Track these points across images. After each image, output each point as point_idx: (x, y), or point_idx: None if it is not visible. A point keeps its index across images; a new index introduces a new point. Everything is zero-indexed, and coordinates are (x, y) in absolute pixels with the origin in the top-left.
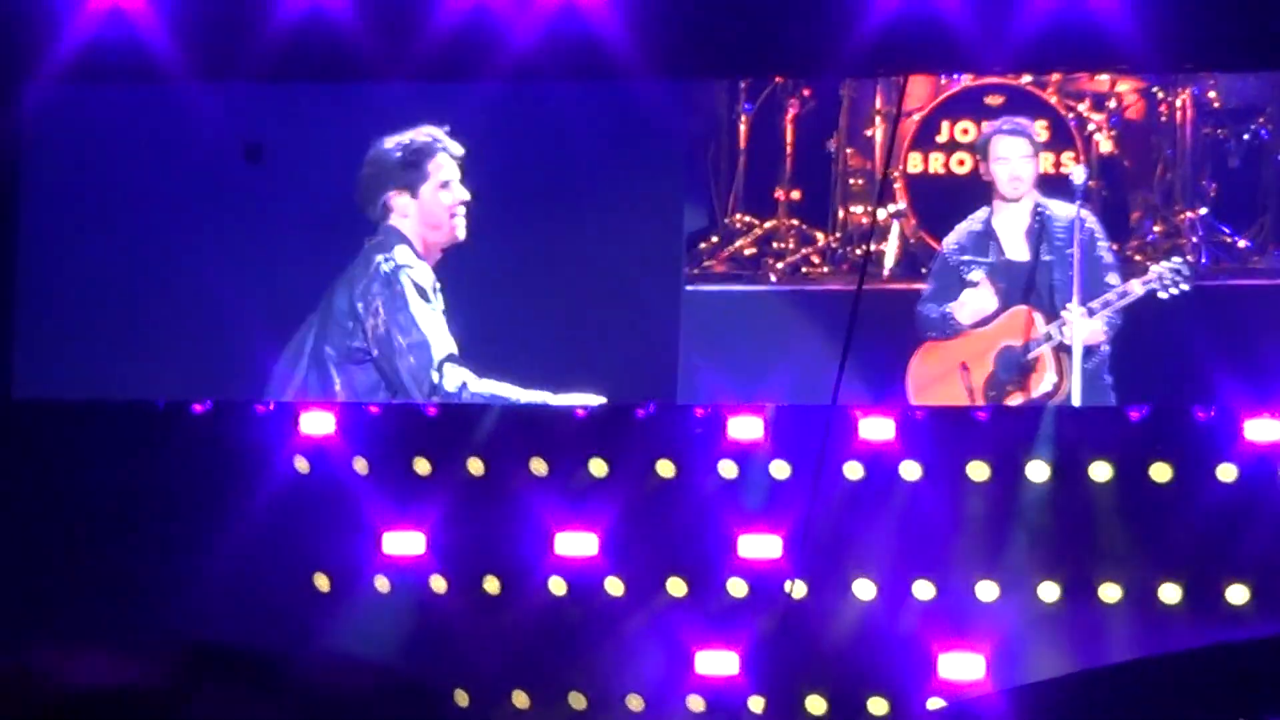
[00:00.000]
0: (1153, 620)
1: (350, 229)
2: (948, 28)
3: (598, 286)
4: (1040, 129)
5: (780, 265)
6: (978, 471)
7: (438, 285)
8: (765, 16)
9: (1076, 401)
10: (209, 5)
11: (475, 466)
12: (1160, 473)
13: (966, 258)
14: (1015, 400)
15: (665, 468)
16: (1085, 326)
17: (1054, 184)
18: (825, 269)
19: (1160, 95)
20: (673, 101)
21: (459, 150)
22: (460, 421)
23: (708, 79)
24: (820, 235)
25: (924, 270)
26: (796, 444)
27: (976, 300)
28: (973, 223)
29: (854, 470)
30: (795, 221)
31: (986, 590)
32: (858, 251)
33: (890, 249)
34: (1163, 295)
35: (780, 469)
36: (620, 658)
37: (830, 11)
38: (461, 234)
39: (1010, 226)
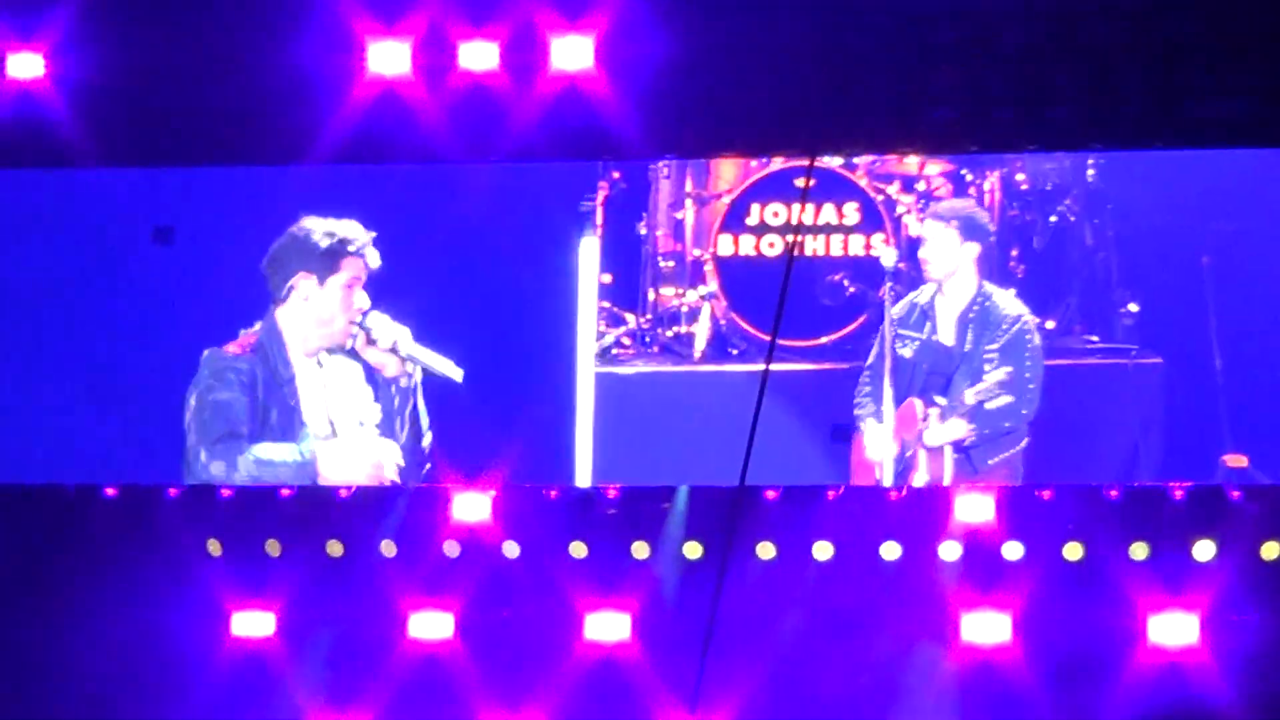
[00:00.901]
0: None
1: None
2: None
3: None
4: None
5: (594, 347)
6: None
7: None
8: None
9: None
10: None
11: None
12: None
13: (902, 331)
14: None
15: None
16: (939, 431)
17: (864, 266)
18: (635, 351)
19: (969, 178)
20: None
21: (376, 261)
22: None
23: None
24: (631, 317)
25: (733, 351)
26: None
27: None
28: (913, 298)
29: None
30: (606, 304)
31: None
32: (668, 333)
33: (701, 331)
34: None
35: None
36: None
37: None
38: (347, 345)
39: (942, 308)
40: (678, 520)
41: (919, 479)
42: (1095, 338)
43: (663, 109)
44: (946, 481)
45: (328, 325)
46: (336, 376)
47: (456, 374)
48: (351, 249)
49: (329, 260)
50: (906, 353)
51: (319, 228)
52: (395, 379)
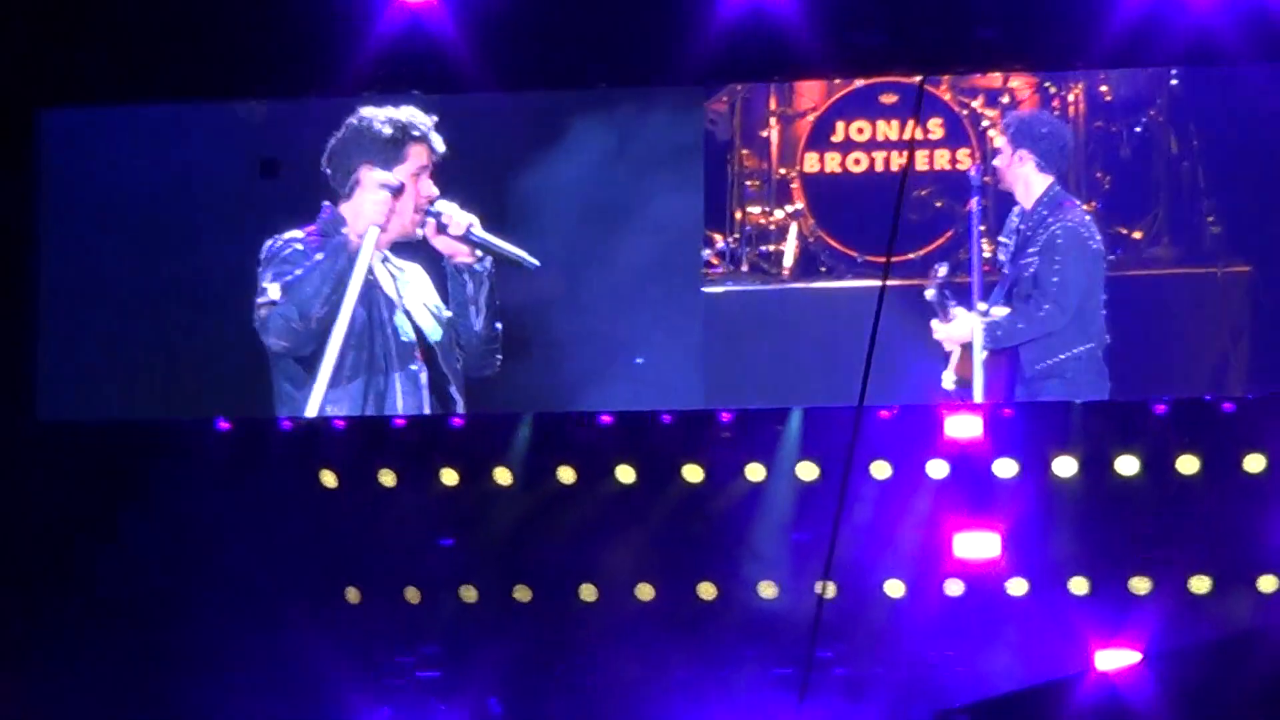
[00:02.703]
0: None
1: None
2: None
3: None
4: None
5: None
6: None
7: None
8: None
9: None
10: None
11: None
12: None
13: (1000, 240)
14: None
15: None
16: (943, 331)
17: (950, 181)
18: (724, 269)
19: (1053, 90)
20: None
21: (441, 147)
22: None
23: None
24: (718, 237)
25: (821, 269)
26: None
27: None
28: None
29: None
30: None
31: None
32: (755, 252)
33: (789, 249)
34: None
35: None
36: None
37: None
38: (419, 233)
39: (1015, 214)
40: (792, 442)
41: (952, 372)
42: (1182, 247)
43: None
44: (976, 384)
45: (398, 216)
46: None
47: (530, 261)
48: (416, 134)
49: (393, 149)
50: (1002, 256)
51: (379, 115)
52: (469, 266)
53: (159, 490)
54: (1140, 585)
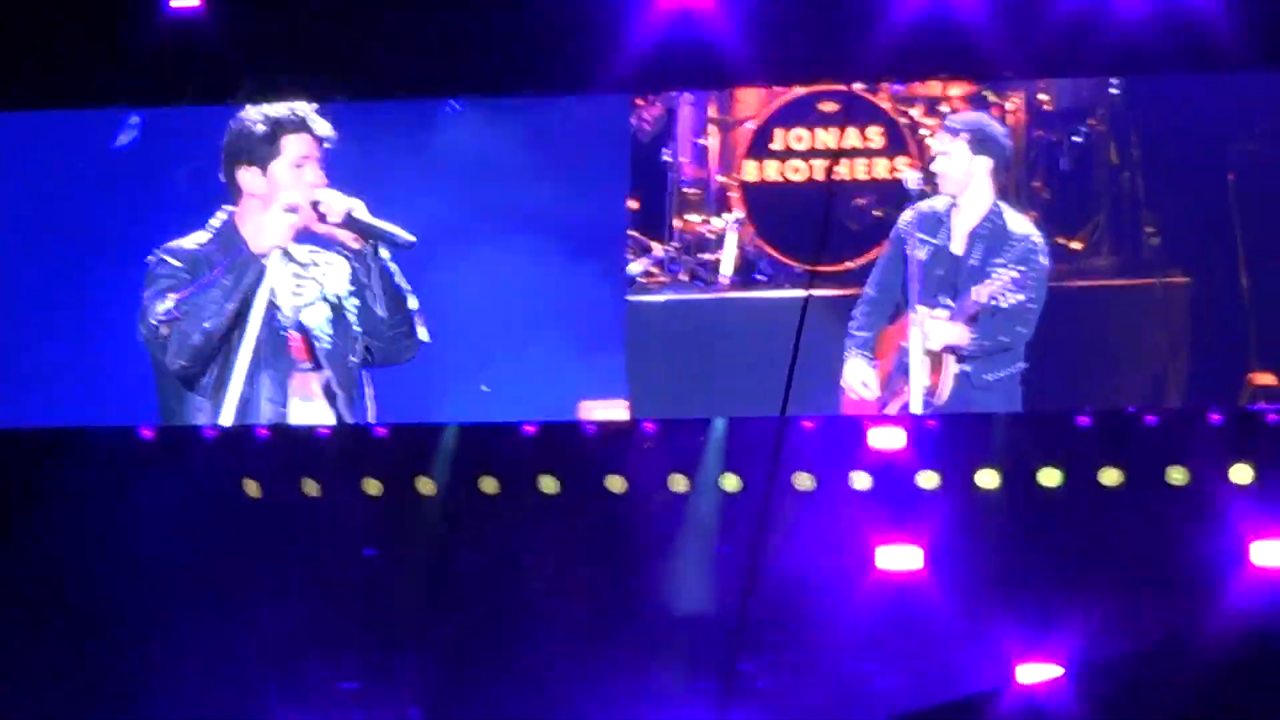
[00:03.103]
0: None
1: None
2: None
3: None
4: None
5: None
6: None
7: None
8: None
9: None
10: None
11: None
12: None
13: (918, 234)
14: (899, 401)
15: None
16: (942, 331)
17: (888, 190)
18: (662, 278)
19: (992, 99)
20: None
21: (325, 130)
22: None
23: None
24: (656, 245)
25: (760, 277)
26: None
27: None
28: (932, 203)
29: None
30: (633, 232)
31: None
32: (694, 261)
33: (727, 258)
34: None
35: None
36: None
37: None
38: (314, 227)
39: (957, 219)
40: (716, 453)
41: (915, 385)
42: (1121, 258)
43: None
44: (945, 394)
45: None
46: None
47: (407, 237)
48: (291, 125)
49: (266, 145)
50: (921, 254)
51: (253, 113)
52: (355, 251)
53: (78, 497)
54: (1062, 599)
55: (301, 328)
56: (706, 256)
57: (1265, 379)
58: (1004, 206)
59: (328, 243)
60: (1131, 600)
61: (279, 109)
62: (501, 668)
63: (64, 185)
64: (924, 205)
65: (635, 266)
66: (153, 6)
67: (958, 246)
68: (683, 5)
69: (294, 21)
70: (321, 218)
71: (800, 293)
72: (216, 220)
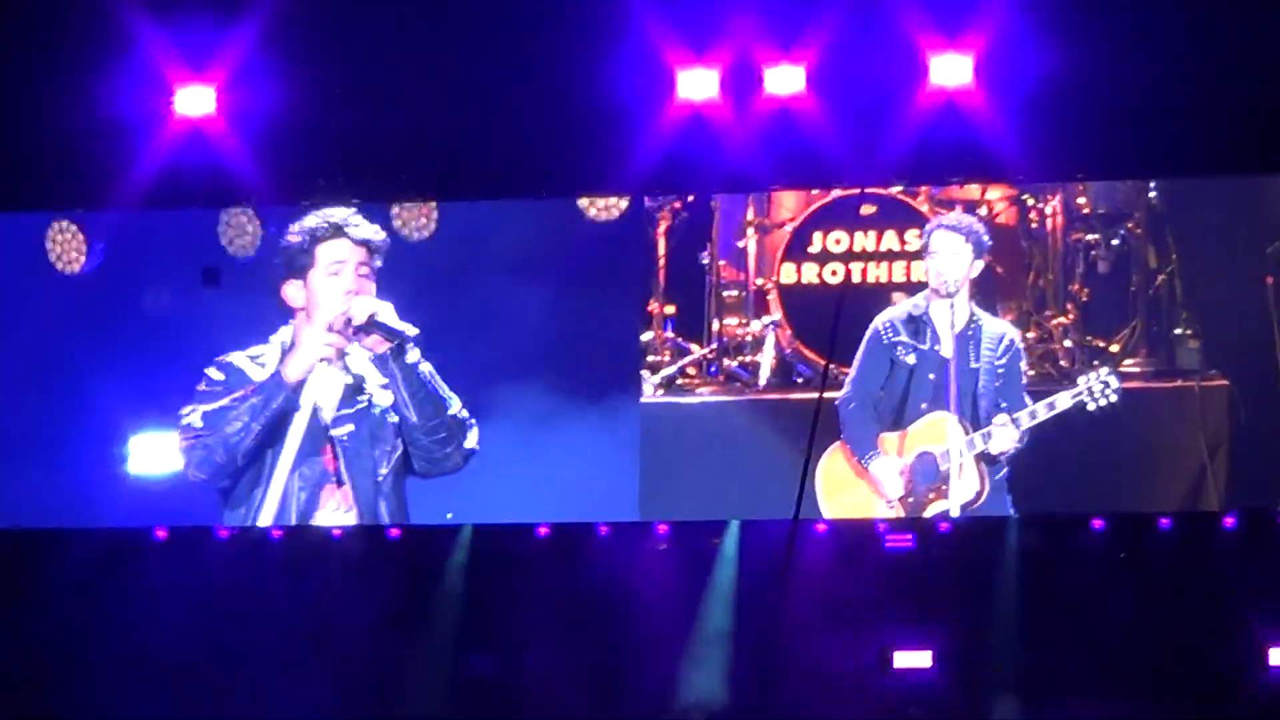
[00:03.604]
0: None
1: None
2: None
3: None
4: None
5: (655, 378)
6: None
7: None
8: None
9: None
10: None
11: None
12: None
13: (900, 339)
14: (936, 507)
15: None
16: (1009, 437)
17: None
18: (698, 380)
19: (1030, 202)
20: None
21: (365, 233)
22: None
23: (575, 197)
24: (695, 347)
25: (798, 379)
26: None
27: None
28: (905, 308)
29: None
30: (670, 334)
31: None
32: (733, 363)
33: (765, 359)
34: (1090, 407)
35: None
36: None
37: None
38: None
39: (942, 322)
40: (729, 555)
41: (966, 490)
42: (1159, 361)
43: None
44: (984, 491)
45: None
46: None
47: (411, 331)
48: (322, 234)
49: (302, 257)
50: (910, 359)
51: (294, 227)
52: (381, 356)
53: (100, 598)
54: (1080, 704)
55: (332, 440)
56: (745, 358)
57: None
58: (974, 306)
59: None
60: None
61: (314, 219)
62: None
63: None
64: (898, 310)
65: (672, 369)
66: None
67: (946, 349)
68: (719, 113)
69: (319, 124)
70: (347, 324)
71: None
72: (279, 335)
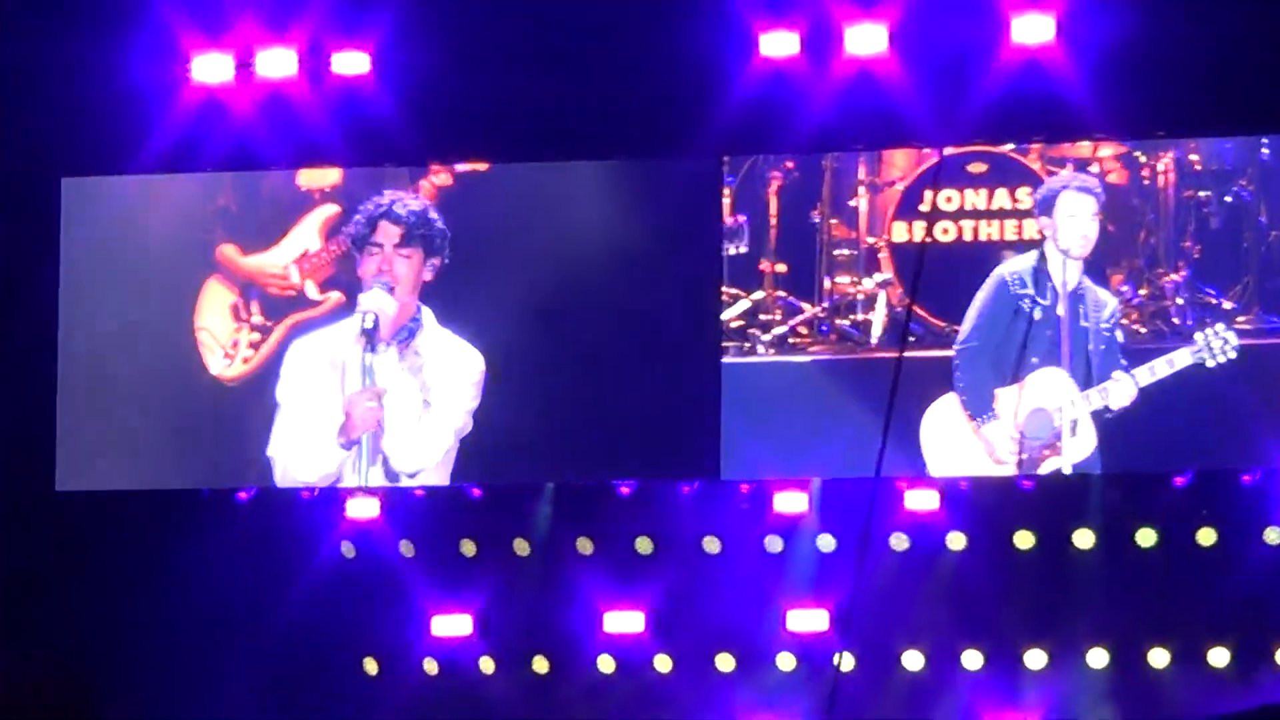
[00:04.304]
0: (1202, 683)
1: None
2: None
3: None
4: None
5: (767, 337)
6: (1023, 540)
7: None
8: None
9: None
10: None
11: (521, 547)
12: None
13: (1027, 292)
14: (1050, 464)
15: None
16: (1127, 393)
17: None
18: (812, 339)
19: (1142, 159)
20: (709, 174)
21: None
22: (505, 502)
23: (689, 157)
24: (807, 306)
25: (912, 339)
26: (841, 517)
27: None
28: (1030, 261)
29: (900, 541)
30: (782, 293)
31: (1035, 658)
32: (844, 321)
33: (877, 318)
34: (1210, 364)
35: (826, 542)
36: None
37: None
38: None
39: (1060, 280)
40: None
41: (1082, 447)
42: (1275, 317)
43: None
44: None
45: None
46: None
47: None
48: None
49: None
50: (1036, 314)
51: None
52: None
53: (179, 563)
54: (1158, 657)
55: None
56: (857, 317)
57: None
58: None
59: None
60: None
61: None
62: None
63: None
64: (1022, 264)
65: (782, 328)
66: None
67: (1061, 308)
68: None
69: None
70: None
71: (948, 352)
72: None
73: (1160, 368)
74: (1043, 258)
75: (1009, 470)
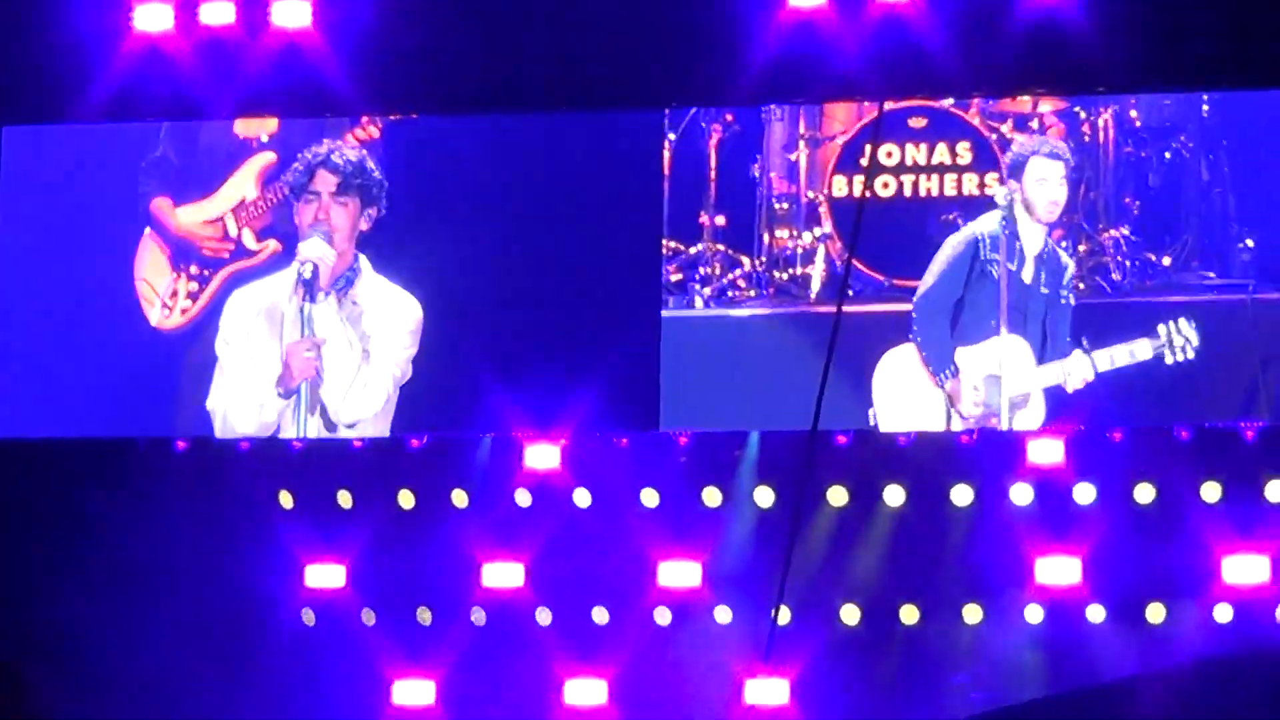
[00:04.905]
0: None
1: None
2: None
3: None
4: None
5: (706, 290)
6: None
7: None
8: (688, 47)
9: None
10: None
11: (460, 499)
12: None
13: (997, 256)
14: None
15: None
16: (1083, 377)
17: (977, 206)
18: (751, 293)
19: (1082, 115)
20: (650, 130)
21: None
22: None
23: (635, 110)
24: (745, 260)
25: (849, 292)
26: (774, 469)
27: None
28: (996, 222)
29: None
30: (720, 246)
31: (972, 613)
32: (783, 275)
33: (816, 272)
34: (1170, 359)
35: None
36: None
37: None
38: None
39: (1031, 247)
40: (749, 467)
41: (1030, 420)
42: (1212, 274)
43: None
44: (1039, 420)
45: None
46: None
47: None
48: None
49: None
50: (997, 274)
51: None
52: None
53: (114, 511)
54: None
55: None
56: (796, 271)
57: None
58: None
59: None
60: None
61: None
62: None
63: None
64: (992, 224)
65: (723, 281)
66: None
67: (1026, 274)
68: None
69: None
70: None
71: (889, 306)
72: None
73: (1120, 356)
74: (1011, 220)
75: (969, 425)
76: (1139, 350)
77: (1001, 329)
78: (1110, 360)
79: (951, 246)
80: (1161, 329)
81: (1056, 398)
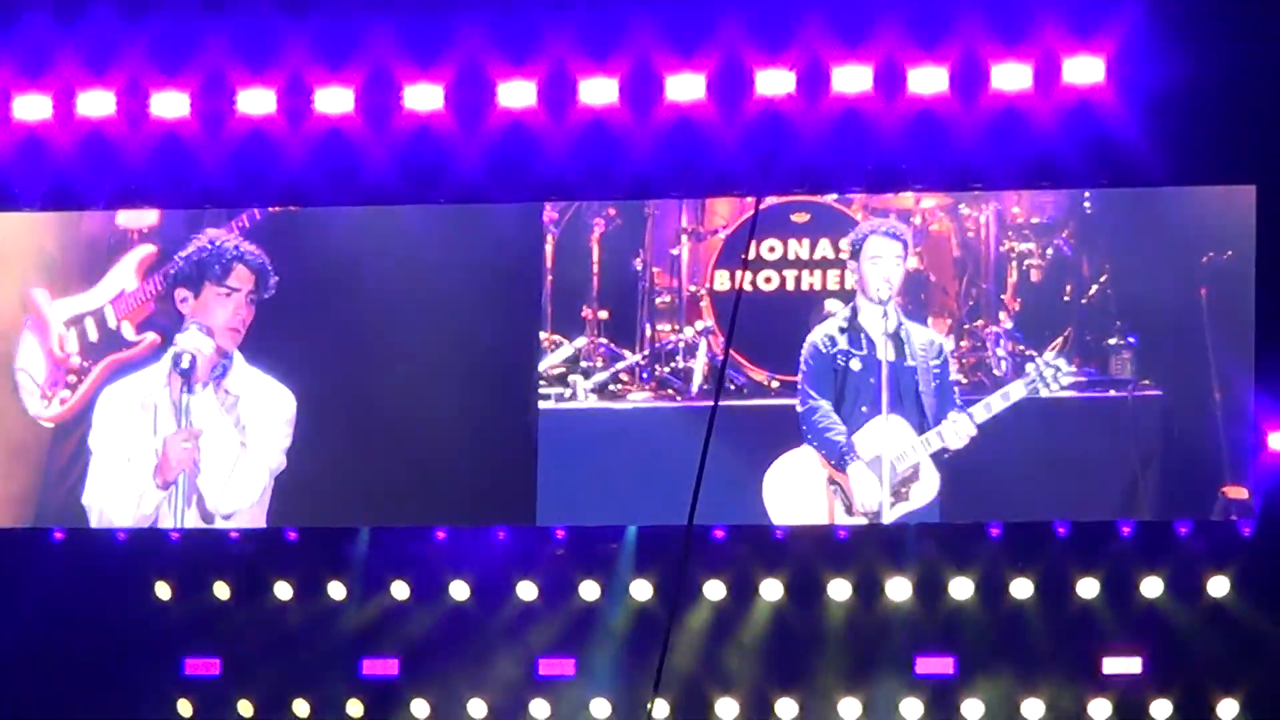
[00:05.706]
0: None
1: None
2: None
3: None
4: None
5: (588, 383)
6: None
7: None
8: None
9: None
10: None
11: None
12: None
13: (839, 348)
14: (900, 509)
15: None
16: (964, 431)
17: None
18: (633, 386)
19: (965, 211)
20: (526, 225)
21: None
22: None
23: (523, 201)
24: (628, 353)
25: (730, 385)
26: (654, 563)
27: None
28: (837, 321)
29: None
30: (604, 339)
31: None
32: (665, 369)
33: (698, 366)
34: (1044, 392)
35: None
36: None
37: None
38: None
39: (875, 327)
40: (627, 560)
41: (926, 491)
42: (1092, 371)
43: None
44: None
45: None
46: None
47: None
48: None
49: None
50: (855, 365)
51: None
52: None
53: None
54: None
55: None
56: (678, 364)
57: (1237, 492)
58: (900, 313)
59: None
60: None
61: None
62: None
63: None
64: (831, 325)
65: (604, 374)
66: None
67: (886, 353)
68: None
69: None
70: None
71: (772, 401)
72: None
73: (995, 403)
74: (855, 308)
75: (857, 519)
76: (1013, 391)
77: (883, 408)
78: (987, 409)
79: (802, 360)
80: (1030, 367)
81: (953, 467)
